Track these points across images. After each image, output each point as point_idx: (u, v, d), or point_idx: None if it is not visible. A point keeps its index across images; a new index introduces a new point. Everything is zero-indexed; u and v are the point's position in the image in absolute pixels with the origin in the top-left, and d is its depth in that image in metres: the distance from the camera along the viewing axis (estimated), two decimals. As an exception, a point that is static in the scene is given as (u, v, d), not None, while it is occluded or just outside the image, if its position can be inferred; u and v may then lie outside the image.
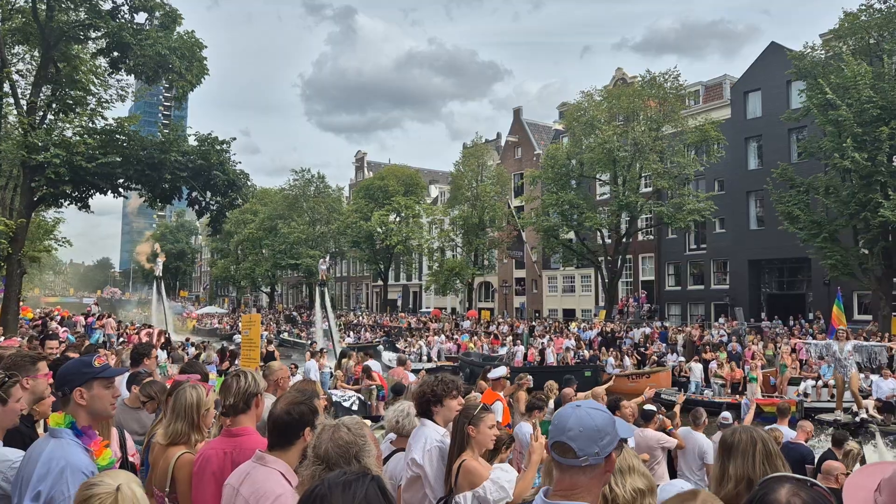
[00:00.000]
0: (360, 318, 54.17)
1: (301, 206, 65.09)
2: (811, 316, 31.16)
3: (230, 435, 3.35)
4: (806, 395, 20.34)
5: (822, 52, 27.82)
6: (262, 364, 8.19)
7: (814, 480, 1.61)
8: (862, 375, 20.65)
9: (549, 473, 3.13)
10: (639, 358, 27.52)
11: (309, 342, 28.16)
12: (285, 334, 48.97)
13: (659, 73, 36.06)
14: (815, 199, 27.62)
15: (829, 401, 19.89)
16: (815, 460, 7.36)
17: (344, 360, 15.15)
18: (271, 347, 21.92)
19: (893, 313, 26.98)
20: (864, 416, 13.05)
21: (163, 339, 23.05)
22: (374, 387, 12.51)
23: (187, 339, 28.03)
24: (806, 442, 7.85)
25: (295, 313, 61.42)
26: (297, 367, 16.66)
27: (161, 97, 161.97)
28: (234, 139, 24.53)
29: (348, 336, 42.52)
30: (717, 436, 7.52)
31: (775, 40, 36.77)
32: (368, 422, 4.79)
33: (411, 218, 55.94)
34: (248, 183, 25.57)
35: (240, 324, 29.45)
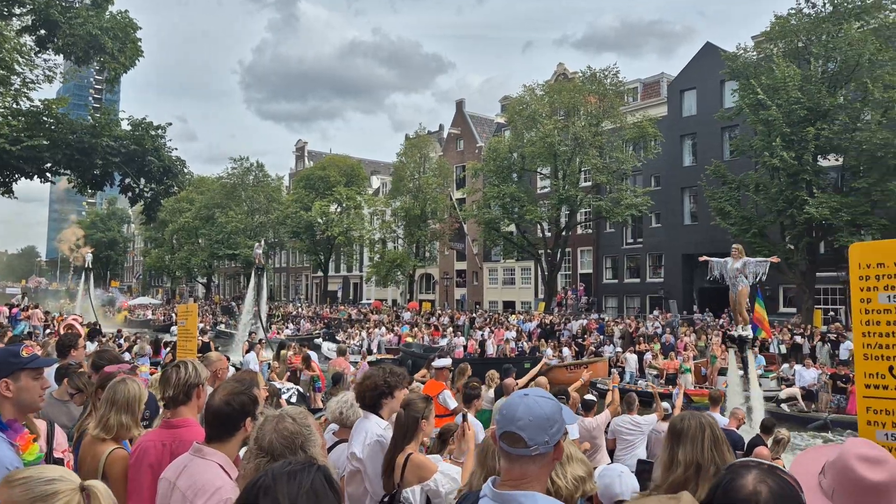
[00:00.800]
0: (300, 309, 53.48)
1: (239, 195, 63.70)
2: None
3: (169, 426, 3.23)
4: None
5: (754, 53, 28.79)
6: (199, 355, 7.99)
7: (778, 466, 1.63)
8: (786, 365, 21.59)
9: (483, 463, 3.12)
10: (577, 349, 28.01)
11: (248, 333, 27.58)
12: (222, 326, 47.93)
13: (599, 70, 36.68)
14: (745, 195, 28.60)
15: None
16: (745, 446, 7.63)
17: (283, 352, 14.91)
18: (206, 339, 21.39)
19: (816, 306, 28.24)
20: (742, 332, 13.61)
21: (88, 330, 22.17)
22: (312, 377, 12.38)
23: (118, 331, 27.11)
24: (737, 429, 8.13)
25: (233, 303, 60.22)
26: (229, 358, 16.31)
27: (92, 79, 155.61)
28: (170, 124, 23.79)
29: (287, 328, 41.91)
30: (648, 417, 7.75)
31: (710, 41, 37.81)
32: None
33: (353, 209, 55.46)
34: (185, 170, 24.84)
35: (174, 315, 28.68)
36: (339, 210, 55.88)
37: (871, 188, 24.91)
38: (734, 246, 13.68)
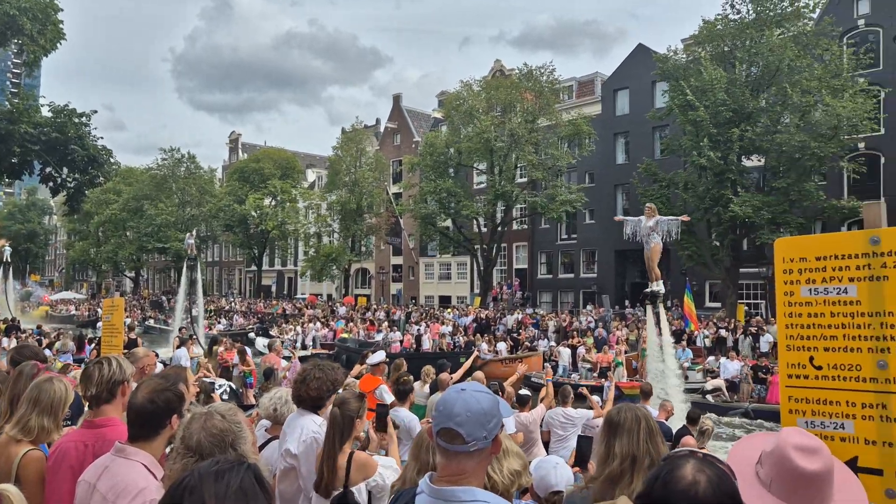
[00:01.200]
0: (233, 303, 52.35)
1: (170, 186, 61.83)
2: (669, 303, 33.21)
3: (92, 426, 3.08)
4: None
5: (684, 56, 29.64)
6: (125, 352, 7.70)
7: (715, 456, 1.66)
8: (711, 358, 22.36)
9: (417, 457, 3.10)
10: (512, 343, 28.31)
11: (178, 328, 26.78)
12: (151, 321, 46.48)
13: (536, 68, 37.10)
14: (675, 193, 29.46)
15: (683, 382, 21.35)
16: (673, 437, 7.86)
17: (215, 348, 14.55)
18: (133, 335, 20.66)
19: (739, 301, 29.36)
20: (655, 288, 14.11)
21: (4, 326, 21.17)
22: (243, 373, 12.15)
23: (38, 327, 25.92)
24: (666, 420, 8.37)
25: (163, 297, 58.45)
26: (157, 354, 15.83)
27: (10, 63, 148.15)
28: (95, 112, 22.86)
29: (219, 323, 40.96)
30: (581, 411, 7.90)
31: (643, 42, 38.75)
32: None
33: (287, 202, 54.69)
34: (111, 160, 23.95)
35: (100, 310, 27.62)
36: (273, 203, 54.98)
37: (790, 188, 26.04)
38: (647, 205, 14.15)
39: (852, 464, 2.36)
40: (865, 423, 2.46)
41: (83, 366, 9.63)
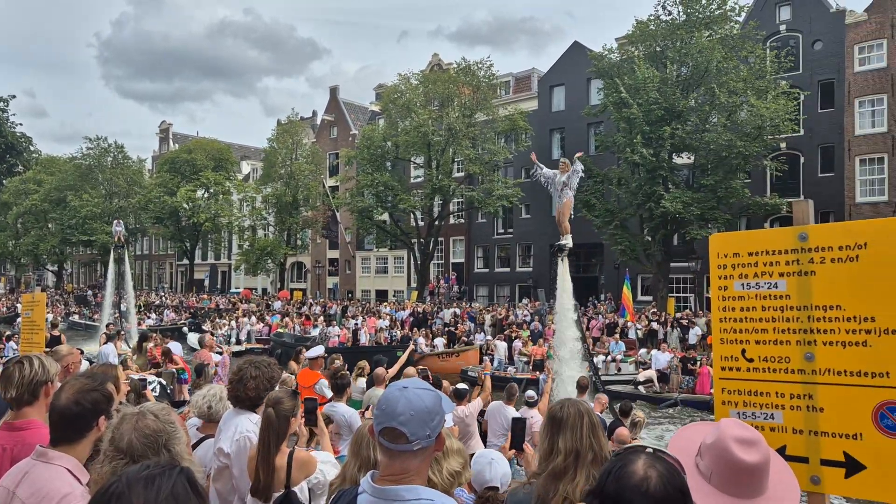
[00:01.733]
0: (163, 298, 50.85)
1: (96, 177, 59.50)
2: (603, 297, 33.97)
3: (11, 428, 2.90)
4: (597, 369, 22.14)
5: (618, 54, 30.25)
6: (47, 349, 7.35)
7: (665, 451, 1.68)
8: (643, 350, 22.96)
9: (356, 453, 3.06)
10: (448, 337, 28.43)
11: (106, 323, 25.73)
12: (76, 316, 44.70)
13: (473, 62, 37.25)
14: (609, 189, 30.10)
15: (616, 374, 21.91)
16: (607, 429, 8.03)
17: (145, 344, 14.06)
18: (56, 332, 19.80)
19: (669, 294, 30.26)
20: (562, 242, 14.47)
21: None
22: (176, 370, 11.78)
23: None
24: (601, 413, 8.54)
25: (89, 291, 56.27)
26: (82, 351, 15.22)
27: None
28: (14, 97, 21.82)
29: (149, 318, 39.73)
30: (526, 412, 8.00)
31: (578, 40, 39.37)
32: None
33: (221, 194, 53.47)
34: (31, 148, 22.85)
35: (19, 305, 26.34)
36: (206, 196, 53.67)
37: (717, 185, 26.96)
38: (562, 160, 14.46)
39: (781, 452, 2.44)
40: (793, 413, 2.55)
41: (2, 366, 9.17)
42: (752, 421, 2.61)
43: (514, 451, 4.30)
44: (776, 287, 2.62)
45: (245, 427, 3.61)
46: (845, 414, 2.42)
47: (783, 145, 29.77)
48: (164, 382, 12.00)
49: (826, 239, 2.52)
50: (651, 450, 1.65)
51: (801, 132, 29.88)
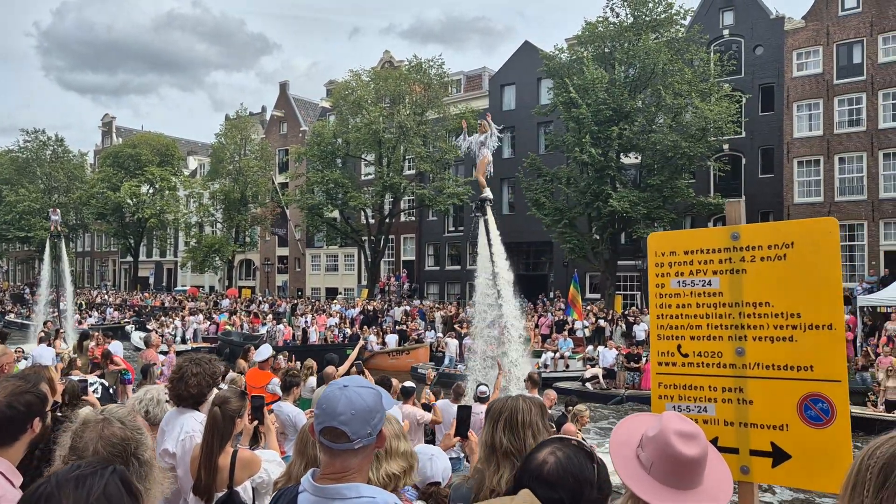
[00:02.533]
0: (106, 296, 49.46)
1: (34, 171, 57.49)
2: (552, 294, 34.37)
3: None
4: (546, 366, 22.45)
5: (568, 55, 30.63)
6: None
7: (577, 441, 1.75)
8: (590, 347, 23.35)
9: (303, 453, 3.05)
10: (399, 335, 28.42)
11: (43, 322, 24.81)
12: (12, 315, 43.14)
13: (425, 60, 37.23)
14: (558, 188, 30.46)
15: (564, 371, 22.23)
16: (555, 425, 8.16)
17: (85, 343, 13.66)
18: (-8, 331, 19.06)
19: (617, 292, 30.82)
20: (484, 195, 15.62)
21: None
22: (119, 371, 11.49)
23: None
24: (550, 408, 8.66)
25: (25, 289, 54.30)
26: (23, 351, 14.71)
27: None
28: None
29: (91, 316, 38.61)
30: (477, 406, 8.08)
31: (529, 40, 39.71)
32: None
33: (167, 190, 52.30)
34: (-36, 141, 21.90)
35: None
36: (151, 191, 52.42)
37: (663, 185, 27.58)
38: (480, 122, 15.69)
39: (713, 444, 2.53)
40: (725, 405, 2.65)
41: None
42: (686, 414, 2.70)
43: (458, 438, 4.34)
44: (710, 284, 2.72)
45: (190, 426, 3.57)
46: (773, 406, 2.54)
47: (726, 147, 30.61)
48: (107, 384, 11.67)
49: (756, 238, 2.62)
50: (566, 440, 1.73)
51: (743, 134, 30.77)
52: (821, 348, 2.47)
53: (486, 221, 15.47)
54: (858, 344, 20.51)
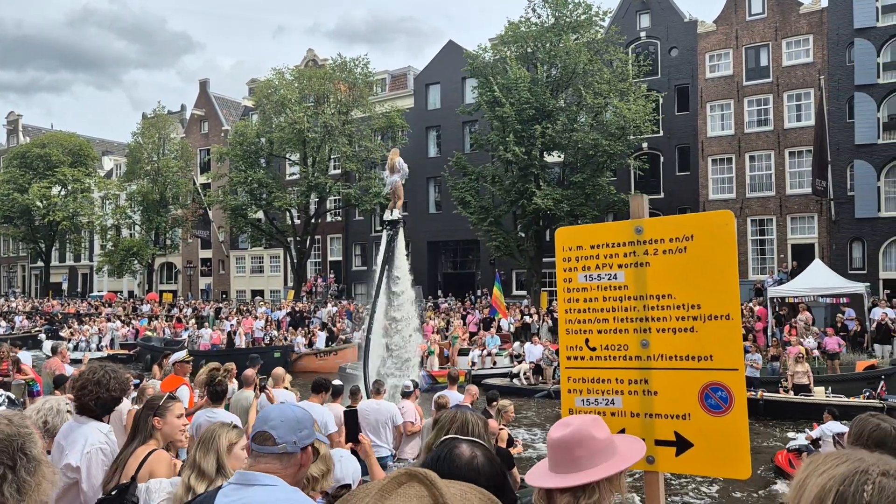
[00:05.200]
0: (14, 303, 46.96)
1: (-72, 171, 54.14)
2: (479, 292, 34.67)
3: None
4: (473, 363, 22.60)
5: (492, 54, 30.94)
6: None
7: (478, 440, 1.81)
8: (517, 343, 23.64)
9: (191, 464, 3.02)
10: (328, 335, 28.08)
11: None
12: None
13: (350, 59, 36.93)
14: (483, 186, 30.74)
15: (492, 367, 22.43)
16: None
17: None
18: None
19: (543, 289, 31.31)
20: (391, 217, 16.96)
21: None
22: (26, 382, 10.90)
23: None
24: (472, 405, 8.68)
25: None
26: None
27: None
28: None
29: (-2, 326, 36.62)
30: (403, 403, 8.07)
31: (454, 40, 39.88)
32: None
33: (80, 192, 50.11)
34: None
35: None
36: (63, 193, 50.10)
37: (586, 182, 28.20)
38: (393, 149, 17.81)
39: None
40: (631, 397, 2.69)
41: None
42: (594, 407, 2.73)
43: (350, 443, 4.30)
44: (615, 278, 2.75)
45: (95, 439, 3.44)
46: (675, 396, 2.59)
47: (645, 145, 31.54)
48: (13, 396, 11.06)
49: (659, 232, 2.67)
50: (470, 440, 1.80)
51: (661, 133, 31.78)
52: (720, 338, 2.53)
53: (392, 238, 16.79)
54: (770, 334, 21.49)
